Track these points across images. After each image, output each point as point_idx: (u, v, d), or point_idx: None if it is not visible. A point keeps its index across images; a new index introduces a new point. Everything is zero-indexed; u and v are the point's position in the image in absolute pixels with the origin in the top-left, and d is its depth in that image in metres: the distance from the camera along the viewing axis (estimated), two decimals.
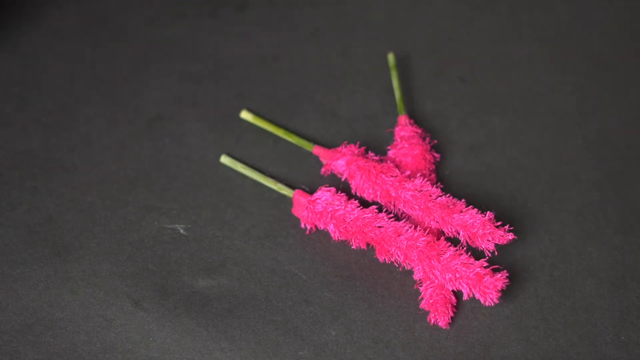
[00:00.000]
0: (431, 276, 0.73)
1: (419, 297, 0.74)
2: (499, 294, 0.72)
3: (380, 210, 0.77)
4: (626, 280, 0.76)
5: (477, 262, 0.72)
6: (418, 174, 0.79)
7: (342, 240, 0.77)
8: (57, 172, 0.82)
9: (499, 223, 0.75)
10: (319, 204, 0.76)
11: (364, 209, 0.76)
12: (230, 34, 0.91)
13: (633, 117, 0.86)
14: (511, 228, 0.75)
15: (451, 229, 0.75)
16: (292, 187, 0.80)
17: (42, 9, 0.92)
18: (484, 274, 0.72)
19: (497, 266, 0.74)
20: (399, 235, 0.74)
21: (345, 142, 0.80)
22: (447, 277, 0.72)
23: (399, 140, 0.81)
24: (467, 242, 0.75)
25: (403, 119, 0.83)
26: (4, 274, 0.76)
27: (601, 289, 0.76)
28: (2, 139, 0.84)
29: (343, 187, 0.79)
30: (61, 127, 0.85)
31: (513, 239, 0.74)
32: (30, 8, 0.92)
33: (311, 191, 0.79)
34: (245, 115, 0.84)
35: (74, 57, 0.89)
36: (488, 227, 0.74)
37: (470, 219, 0.74)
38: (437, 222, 0.75)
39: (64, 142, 0.84)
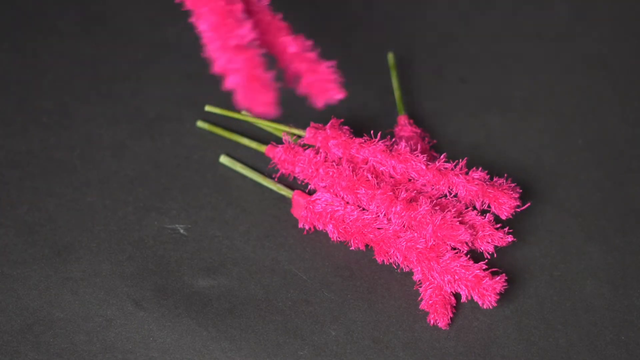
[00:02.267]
0: (430, 278, 0.73)
1: (419, 298, 0.74)
2: (498, 297, 0.72)
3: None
4: (626, 280, 0.76)
5: (476, 264, 0.72)
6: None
7: (341, 241, 0.77)
8: (57, 172, 0.82)
9: (498, 225, 0.75)
10: (318, 204, 0.76)
11: (364, 211, 0.76)
12: None
13: (633, 117, 0.86)
14: (510, 230, 0.75)
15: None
16: (292, 188, 0.80)
17: (42, 8, 0.92)
18: (483, 276, 0.72)
19: (496, 269, 0.74)
20: (398, 237, 0.74)
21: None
22: (446, 279, 0.72)
23: (398, 140, 0.81)
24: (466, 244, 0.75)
25: (403, 119, 0.83)
26: (4, 274, 0.76)
27: (601, 289, 0.76)
28: (2, 139, 0.84)
29: None
30: (61, 127, 0.85)
31: (512, 240, 0.74)
32: (31, 7, 0.92)
33: (310, 191, 0.79)
34: (245, 115, 0.84)
35: (74, 57, 0.89)
36: (488, 228, 0.74)
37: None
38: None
39: (64, 142, 0.84)
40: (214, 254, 0.78)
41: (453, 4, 0.94)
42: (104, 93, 0.87)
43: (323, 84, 0.71)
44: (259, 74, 0.66)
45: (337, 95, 0.71)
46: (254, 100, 0.66)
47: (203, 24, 0.67)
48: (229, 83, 0.66)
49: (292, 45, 0.71)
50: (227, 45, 0.66)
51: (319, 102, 0.71)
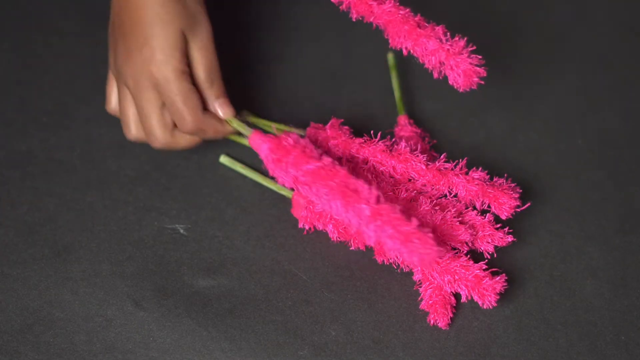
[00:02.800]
0: (430, 278, 0.73)
1: (419, 298, 0.74)
2: (498, 297, 0.72)
3: None
4: (626, 280, 0.76)
5: (476, 264, 0.72)
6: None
7: (341, 241, 0.77)
8: (57, 172, 0.82)
9: (498, 225, 0.75)
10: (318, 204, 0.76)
11: None
12: (230, 33, 0.91)
13: (633, 116, 0.86)
14: (511, 230, 0.75)
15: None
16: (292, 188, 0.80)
17: (42, 8, 0.92)
18: (483, 276, 0.72)
19: (496, 269, 0.74)
20: None
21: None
22: (446, 279, 0.72)
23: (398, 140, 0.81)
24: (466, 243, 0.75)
25: (403, 119, 0.83)
26: (4, 274, 0.76)
27: (601, 289, 0.76)
28: (2, 139, 0.84)
29: None
30: (61, 127, 0.85)
31: (513, 240, 0.74)
32: (31, 7, 0.92)
33: None
34: (245, 115, 0.84)
35: (74, 57, 0.89)
36: (488, 228, 0.74)
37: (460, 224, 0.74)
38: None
39: (64, 142, 0.84)
40: (214, 254, 0.78)
41: (453, 3, 0.94)
42: (104, 93, 0.87)
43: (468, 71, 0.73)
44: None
45: (482, 74, 0.73)
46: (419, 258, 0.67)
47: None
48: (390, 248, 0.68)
49: (429, 43, 0.74)
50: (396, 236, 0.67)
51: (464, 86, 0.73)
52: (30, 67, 0.88)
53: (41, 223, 0.79)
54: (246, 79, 0.88)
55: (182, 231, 0.79)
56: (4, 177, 0.81)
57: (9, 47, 0.89)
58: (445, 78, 0.89)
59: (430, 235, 0.67)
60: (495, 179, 0.77)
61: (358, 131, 0.81)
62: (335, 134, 0.78)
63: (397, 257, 0.72)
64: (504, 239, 0.74)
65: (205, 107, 0.76)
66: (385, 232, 0.67)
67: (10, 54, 0.89)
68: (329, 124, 0.79)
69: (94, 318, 0.74)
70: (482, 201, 0.75)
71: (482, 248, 0.74)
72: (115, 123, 0.85)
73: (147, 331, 0.74)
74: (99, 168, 0.82)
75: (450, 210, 0.73)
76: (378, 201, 0.68)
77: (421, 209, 0.73)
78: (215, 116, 0.76)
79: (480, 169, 0.76)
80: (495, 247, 0.74)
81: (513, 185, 0.76)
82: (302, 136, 0.80)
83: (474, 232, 0.73)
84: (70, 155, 0.83)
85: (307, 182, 0.71)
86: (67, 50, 0.89)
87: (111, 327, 0.74)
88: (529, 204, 0.78)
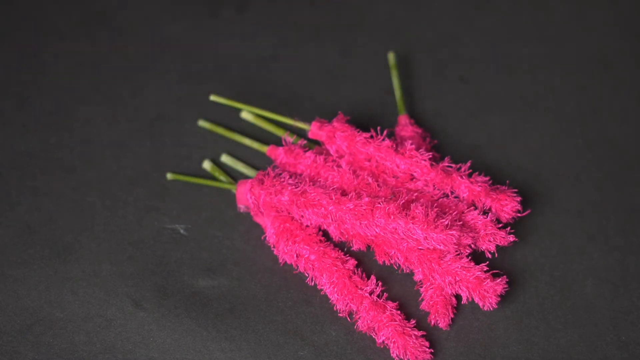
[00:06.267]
0: (431, 278, 0.73)
1: (420, 298, 0.74)
2: (498, 299, 0.72)
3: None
4: (626, 280, 0.76)
5: (477, 266, 0.72)
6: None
7: (342, 241, 0.77)
8: (57, 172, 0.82)
9: (500, 225, 0.75)
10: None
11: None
12: (230, 34, 0.91)
13: (633, 117, 0.86)
14: (512, 231, 0.74)
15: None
16: None
17: (42, 8, 0.92)
18: (484, 278, 0.72)
19: (497, 271, 0.74)
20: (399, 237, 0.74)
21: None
22: (446, 280, 0.72)
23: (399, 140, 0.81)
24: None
25: (404, 118, 0.83)
26: (4, 274, 0.76)
27: (601, 289, 0.76)
28: (2, 139, 0.84)
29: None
30: (61, 127, 0.85)
31: (514, 240, 0.74)
32: (31, 7, 0.92)
33: None
34: (245, 115, 0.84)
35: (74, 57, 0.89)
36: (490, 227, 0.74)
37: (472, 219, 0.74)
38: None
39: (64, 142, 0.84)
40: (214, 254, 0.78)
41: (453, 3, 0.94)
42: (104, 93, 0.87)
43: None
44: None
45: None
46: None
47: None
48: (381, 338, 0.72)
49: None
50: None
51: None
52: (30, 67, 0.88)
53: (41, 223, 0.79)
54: (246, 78, 0.88)
55: (182, 231, 0.79)
56: (4, 177, 0.81)
57: (9, 47, 0.89)
58: (446, 79, 0.89)
59: (427, 344, 0.72)
60: (497, 186, 0.77)
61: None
62: (341, 127, 0.78)
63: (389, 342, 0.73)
64: (506, 238, 0.74)
65: None
66: (382, 323, 0.72)
67: (10, 54, 0.89)
68: (335, 117, 0.79)
69: (94, 318, 0.74)
70: (484, 203, 0.75)
71: (484, 247, 0.74)
72: (115, 123, 0.85)
73: (147, 331, 0.74)
74: (99, 168, 0.82)
75: (451, 214, 0.73)
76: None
77: (419, 211, 0.72)
78: None
79: (482, 174, 0.77)
80: (497, 247, 0.74)
81: (515, 191, 0.76)
82: (306, 130, 0.80)
83: (476, 235, 0.73)
84: (70, 155, 0.83)
85: (310, 267, 0.75)
86: (67, 50, 0.89)
87: (111, 327, 0.74)
88: (529, 210, 0.78)
